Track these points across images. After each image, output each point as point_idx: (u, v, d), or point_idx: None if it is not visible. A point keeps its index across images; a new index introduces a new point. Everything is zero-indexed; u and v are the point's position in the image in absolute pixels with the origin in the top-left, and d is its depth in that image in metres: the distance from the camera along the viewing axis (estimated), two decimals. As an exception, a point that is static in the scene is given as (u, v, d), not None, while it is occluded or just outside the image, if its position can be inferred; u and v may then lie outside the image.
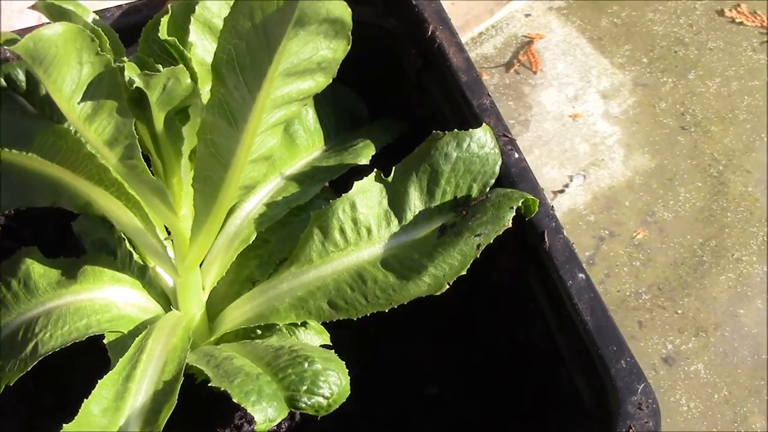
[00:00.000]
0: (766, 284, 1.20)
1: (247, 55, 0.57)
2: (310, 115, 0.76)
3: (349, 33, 0.57)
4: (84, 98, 0.57)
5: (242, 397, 0.59)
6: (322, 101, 0.77)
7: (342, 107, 0.79)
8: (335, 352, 0.66)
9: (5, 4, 1.24)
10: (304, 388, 0.61)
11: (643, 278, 1.21)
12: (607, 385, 0.61)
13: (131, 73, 0.57)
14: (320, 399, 0.61)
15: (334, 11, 0.55)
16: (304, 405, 0.61)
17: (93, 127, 0.58)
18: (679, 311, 1.19)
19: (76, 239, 0.73)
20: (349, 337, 0.71)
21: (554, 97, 1.35)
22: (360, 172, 0.73)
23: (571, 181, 1.28)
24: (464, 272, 0.64)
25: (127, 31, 0.74)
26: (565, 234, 0.67)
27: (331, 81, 0.60)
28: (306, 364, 0.62)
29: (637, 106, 1.34)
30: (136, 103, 0.59)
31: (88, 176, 0.67)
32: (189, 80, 0.58)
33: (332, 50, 0.57)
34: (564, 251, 0.66)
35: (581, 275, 0.65)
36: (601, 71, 1.37)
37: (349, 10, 0.55)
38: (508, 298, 0.72)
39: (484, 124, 0.68)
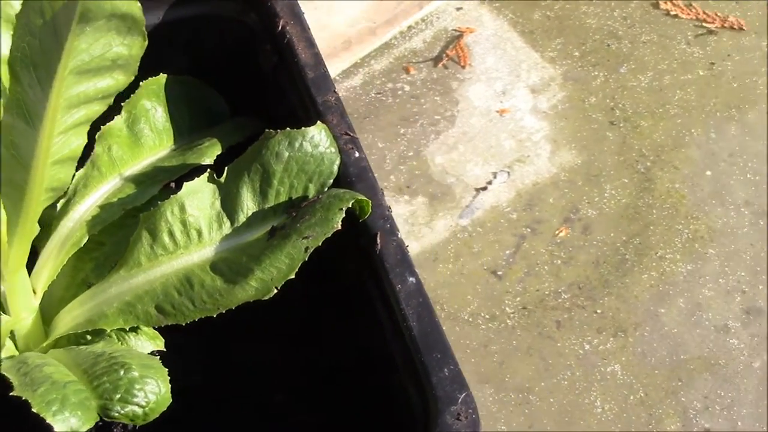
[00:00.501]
0: (689, 283, 1.17)
1: (39, 53, 0.55)
2: (159, 114, 0.74)
3: (143, 29, 0.55)
4: None
5: (42, 407, 0.57)
6: (176, 98, 0.75)
7: (199, 104, 0.77)
8: (179, 358, 0.64)
9: None
10: (118, 396, 0.59)
11: (563, 277, 1.19)
12: (429, 394, 0.59)
13: None
14: (135, 408, 0.59)
15: (120, 7, 0.53)
16: (117, 414, 0.59)
17: None
18: (599, 311, 1.16)
19: None
20: (196, 342, 0.69)
21: (482, 92, 1.33)
22: (204, 172, 0.71)
23: (495, 177, 1.26)
24: (293, 276, 0.62)
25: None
26: (399, 236, 0.65)
27: (132, 79, 0.58)
28: (122, 372, 0.60)
29: (567, 101, 1.31)
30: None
31: None
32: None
33: (127, 46, 0.55)
34: (396, 254, 0.63)
35: (411, 279, 0.62)
36: (531, 65, 1.34)
37: (138, 5, 0.53)
38: (350, 303, 0.69)
39: (318, 122, 0.66)
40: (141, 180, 0.71)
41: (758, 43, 1.36)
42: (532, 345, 1.13)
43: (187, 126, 0.76)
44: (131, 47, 0.55)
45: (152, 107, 0.73)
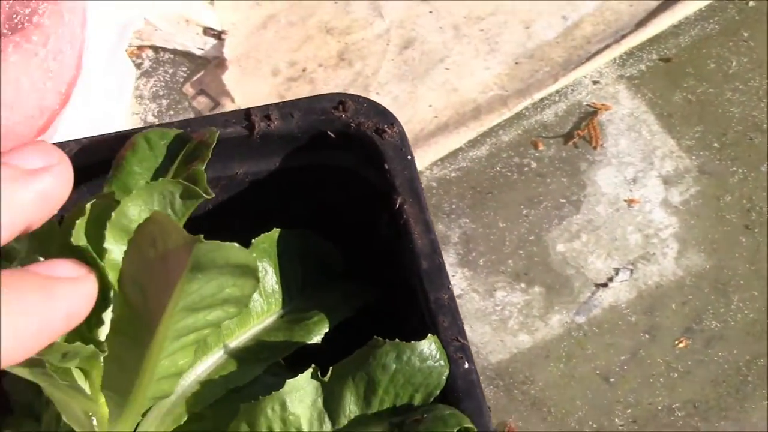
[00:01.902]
0: (813, 415, 1.11)
1: (149, 282, 0.53)
2: (270, 276, 0.72)
3: (257, 273, 0.53)
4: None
5: None
6: (289, 254, 0.73)
7: (313, 260, 0.75)
8: None
9: None
10: None
11: (679, 392, 1.14)
12: None
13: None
14: None
15: (233, 259, 0.51)
16: None
17: None
18: (713, 435, 1.11)
19: (3, 397, 0.71)
20: None
21: (612, 177, 1.27)
22: (308, 352, 0.69)
23: (616, 274, 1.21)
24: (390, 496, 0.60)
25: (93, 168, 0.72)
26: (503, 466, 0.62)
27: (243, 309, 0.56)
28: None
29: (700, 197, 1.25)
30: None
31: None
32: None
33: (239, 288, 0.53)
34: (497, 489, 0.61)
35: None
36: (666, 153, 1.28)
37: (253, 255, 0.51)
38: None
39: (429, 335, 0.63)
40: (244, 356, 0.69)
41: None
42: (641, 465, 1.10)
43: (299, 285, 0.74)
44: (243, 288, 0.53)
45: (263, 269, 0.71)
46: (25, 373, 0.62)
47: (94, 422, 0.67)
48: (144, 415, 0.66)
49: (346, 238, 0.77)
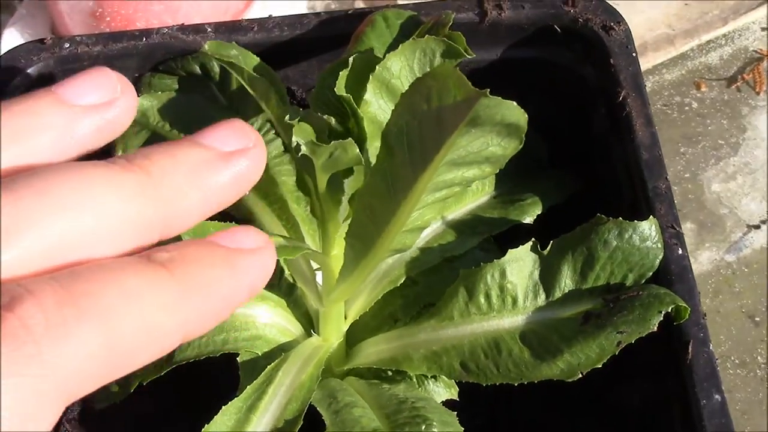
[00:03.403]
0: None
1: (417, 136, 0.57)
2: (485, 158, 0.75)
3: (523, 135, 0.56)
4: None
5: (353, 455, 0.60)
6: (502, 142, 0.76)
7: (522, 148, 0.78)
8: (467, 405, 0.67)
9: None
10: (417, 453, 0.62)
11: (824, 337, 1.15)
12: None
13: (298, 137, 0.58)
14: (429, 467, 0.62)
15: (509, 116, 0.54)
16: (412, 471, 0.62)
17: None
18: None
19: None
20: (484, 393, 0.71)
21: (773, 123, 1.28)
22: (520, 228, 0.73)
23: (769, 217, 1.22)
24: (600, 366, 0.63)
25: (325, 40, 0.76)
26: (711, 348, 0.65)
27: (498, 170, 0.59)
28: (423, 426, 0.63)
29: None
30: (303, 159, 0.60)
31: (256, 187, 0.69)
32: (356, 151, 0.59)
33: (503, 147, 0.56)
34: (706, 367, 0.64)
35: (717, 397, 0.63)
36: (832, 103, 1.28)
37: (525, 115, 0.54)
38: (646, 405, 0.70)
39: (651, 217, 0.66)
40: (461, 229, 0.73)
41: None
42: (780, 401, 1.11)
43: (510, 171, 0.77)
44: (506, 148, 0.56)
45: (479, 152, 0.75)
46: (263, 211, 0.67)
47: (319, 278, 0.72)
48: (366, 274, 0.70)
49: (552, 133, 0.80)
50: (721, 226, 1.22)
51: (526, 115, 0.54)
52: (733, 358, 1.15)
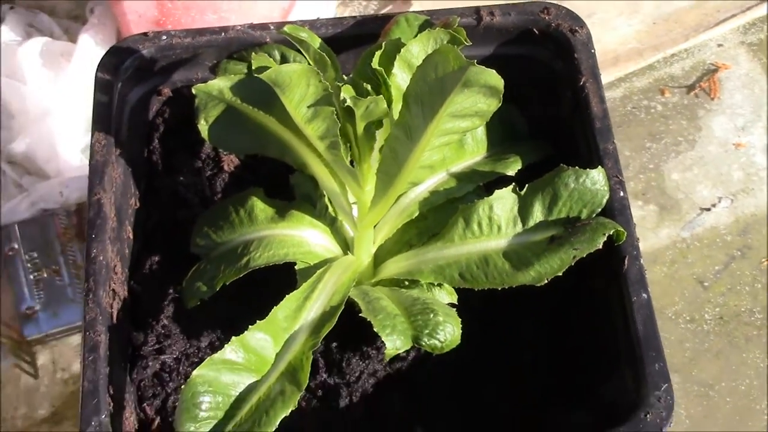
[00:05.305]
0: None
1: (427, 96, 0.81)
2: (480, 128, 0.99)
3: (500, 95, 0.80)
4: (307, 107, 0.84)
5: (381, 329, 0.84)
6: (492, 116, 1.00)
7: (507, 122, 1.02)
8: (459, 310, 0.90)
9: None
10: (427, 331, 0.85)
11: (760, 300, 1.39)
12: (641, 381, 0.84)
13: (346, 94, 0.83)
14: (436, 342, 0.85)
15: (490, 81, 0.78)
16: (423, 343, 0.85)
17: (311, 126, 0.85)
18: (786, 335, 1.36)
19: (290, 188, 1.00)
20: (478, 304, 0.95)
21: (724, 124, 1.52)
22: (505, 179, 0.97)
23: (719, 202, 1.47)
24: (560, 274, 0.87)
25: (362, 38, 1.01)
26: (641, 261, 0.89)
27: (484, 123, 0.84)
28: (431, 315, 0.87)
29: (799, 147, 1.50)
30: (347, 112, 0.85)
31: (307, 145, 0.94)
32: (385, 106, 0.83)
33: (487, 104, 0.81)
34: (637, 274, 0.88)
35: (644, 295, 0.87)
36: (773, 109, 1.53)
37: (502, 81, 0.78)
38: (594, 303, 0.94)
39: (599, 166, 0.90)
40: (461, 178, 0.97)
41: None
42: (721, 350, 1.35)
43: (498, 138, 1.01)
44: (489, 105, 0.80)
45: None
46: (313, 161, 0.92)
47: (355, 212, 0.96)
48: (389, 209, 0.94)
49: (530, 111, 1.05)
50: (678, 209, 1.47)
51: (503, 81, 0.78)
52: (684, 315, 1.39)
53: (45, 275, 1.39)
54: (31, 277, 1.38)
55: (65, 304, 1.37)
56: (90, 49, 1.55)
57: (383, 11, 1.62)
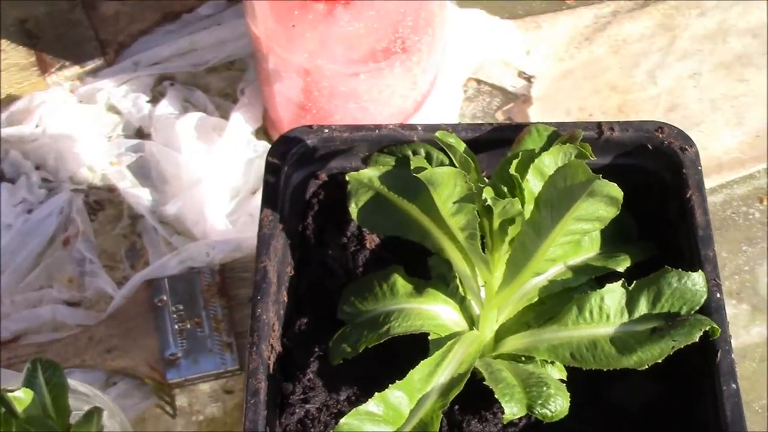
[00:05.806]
0: None
1: (556, 201, 0.96)
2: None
3: (619, 205, 0.94)
4: (453, 203, 1.00)
5: (501, 396, 0.98)
6: (606, 218, 1.14)
7: (619, 224, 1.15)
8: (567, 386, 1.03)
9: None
10: (540, 401, 0.99)
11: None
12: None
13: (486, 194, 0.98)
14: (548, 411, 0.99)
15: (612, 192, 0.93)
16: (536, 412, 0.99)
17: (454, 219, 1.00)
18: None
19: (428, 269, 1.16)
20: (581, 378, 1.09)
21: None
22: (615, 274, 1.10)
23: (811, 306, 1.56)
24: (660, 361, 1.00)
25: (497, 142, 1.16)
26: (732, 355, 1.01)
27: (603, 226, 0.98)
28: (545, 387, 1.00)
29: None
30: (486, 209, 1.00)
31: (446, 233, 1.09)
32: (519, 207, 0.98)
33: (607, 212, 0.95)
34: (728, 366, 1.01)
35: (734, 385, 1.00)
36: None
37: (621, 193, 0.93)
38: (688, 388, 1.07)
39: (700, 270, 1.03)
40: (576, 270, 1.11)
41: None
42: (804, 444, 1.44)
43: (610, 238, 1.15)
44: (609, 212, 0.95)
45: (593, 224, 1.14)
46: (450, 247, 1.07)
47: (482, 293, 1.11)
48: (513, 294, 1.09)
49: (641, 216, 1.19)
50: (770, 310, 1.58)
51: (622, 192, 0.93)
52: (772, 408, 1.49)
53: (188, 326, 1.53)
54: (176, 326, 1.52)
55: (204, 353, 1.51)
56: (240, 126, 1.71)
57: (505, 108, 1.77)
